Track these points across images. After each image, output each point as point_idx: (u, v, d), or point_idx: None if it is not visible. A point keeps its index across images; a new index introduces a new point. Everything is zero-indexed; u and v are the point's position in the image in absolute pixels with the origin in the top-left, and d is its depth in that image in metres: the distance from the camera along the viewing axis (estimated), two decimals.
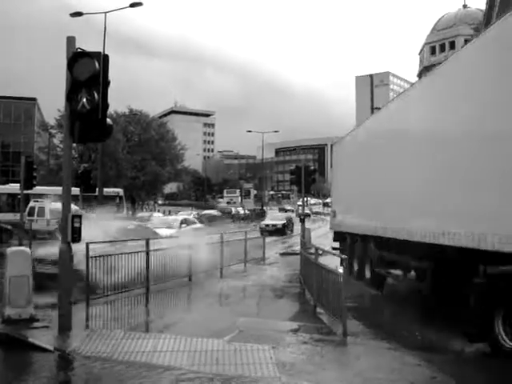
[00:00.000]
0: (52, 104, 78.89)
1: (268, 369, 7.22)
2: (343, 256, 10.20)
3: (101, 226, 14.54)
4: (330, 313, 10.36)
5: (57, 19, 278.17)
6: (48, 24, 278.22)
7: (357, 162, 17.18)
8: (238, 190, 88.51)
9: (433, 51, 64.98)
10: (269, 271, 20.12)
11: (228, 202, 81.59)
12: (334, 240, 20.26)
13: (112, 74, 9.16)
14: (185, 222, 26.50)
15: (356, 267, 17.32)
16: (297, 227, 42.93)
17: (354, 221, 17.06)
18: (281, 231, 43.04)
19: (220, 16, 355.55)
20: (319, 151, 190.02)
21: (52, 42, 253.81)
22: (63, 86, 9.15)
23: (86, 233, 9.55)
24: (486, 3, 34.39)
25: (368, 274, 16.15)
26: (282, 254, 25.76)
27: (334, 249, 19.15)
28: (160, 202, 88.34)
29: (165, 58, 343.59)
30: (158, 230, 19.81)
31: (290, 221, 47.44)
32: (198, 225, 28.29)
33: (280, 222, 44.98)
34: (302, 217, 27.04)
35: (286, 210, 74.43)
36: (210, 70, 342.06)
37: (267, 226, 43.59)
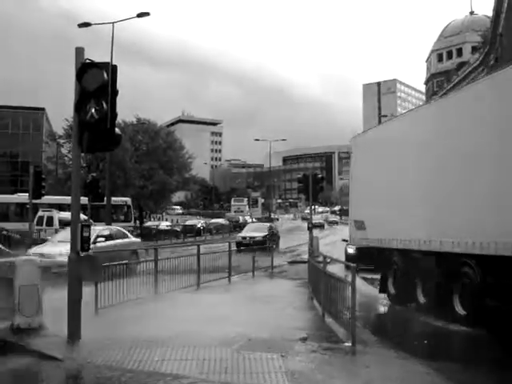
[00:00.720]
0: (60, 114, 79.57)
1: (277, 378, 7.21)
2: (352, 264, 10.12)
3: None
4: (339, 321, 10.34)
5: (62, 29, 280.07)
6: (54, 34, 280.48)
7: (400, 161, 14.53)
8: (245, 199, 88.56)
9: (440, 58, 64.85)
10: (276, 280, 20.12)
11: (235, 211, 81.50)
12: (357, 259, 16.36)
13: (118, 83, 9.23)
14: (105, 235, 19.82)
15: (395, 289, 15.05)
16: (285, 239, 42.01)
17: (405, 234, 13.85)
18: (261, 244, 30.80)
19: (225, 25, 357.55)
20: (326, 159, 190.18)
21: (59, 52, 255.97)
22: (71, 95, 9.23)
23: None
24: (493, 10, 34.39)
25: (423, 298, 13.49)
26: (291, 263, 25.74)
27: (360, 270, 15.23)
28: (170, 211, 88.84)
29: (169, 68, 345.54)
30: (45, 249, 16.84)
31: (272, 232, 39.63)
32: (130, 239, 22.10)
33: (260, 234, 36.50)
34: (310, 225, 27.01)
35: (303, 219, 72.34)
36: (216, 79, 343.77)
37: (244, 238, 36.05)
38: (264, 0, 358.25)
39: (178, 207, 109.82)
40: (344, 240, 28.79)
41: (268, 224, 46.26)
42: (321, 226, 66.80)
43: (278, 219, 72.70)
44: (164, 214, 79.02)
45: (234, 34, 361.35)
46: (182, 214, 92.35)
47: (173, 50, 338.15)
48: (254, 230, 38.77)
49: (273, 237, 37.62)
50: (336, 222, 78.66)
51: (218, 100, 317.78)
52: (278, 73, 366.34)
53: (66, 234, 16.80)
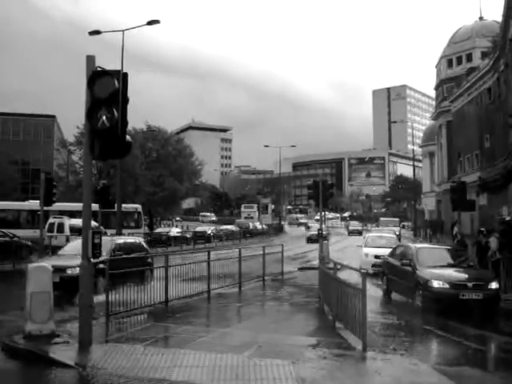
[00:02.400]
0: (71, 121, 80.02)
1: None
2: (363, 271, 10.13)
3: None
4: (350, 328, 10.31)
5: (70, 37, 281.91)
6: (62, 42, 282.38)
7: None
8: (255, 205, 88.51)
9: (450, 64, 64.63)
10: (287, 286, 20.10)
11: (246, 217, 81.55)
12: None
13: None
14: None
15: None
16: (294, 246, 41.84)
17: None
18: None
19: (233, 32, 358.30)
20: (336, 165, 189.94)
21: (69, 60, 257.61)
22: (82, 103, 9.30)
23: None
24: (503, 15, 34.32)
25: None
26: (301, 269, 25.69)
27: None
28: (178, 218, 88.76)
29: (177, 75, 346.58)
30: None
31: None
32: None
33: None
34: (320, 231, 26.90)
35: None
36: (225, 86, 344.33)
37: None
38: (273, 7, 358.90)
39: (212, 214, 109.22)
40: (359, 246, 28.67)
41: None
42: (359, 233, 64.80)
43: (308, 227, 69.92)
44: (174, 220, 78.84)
45: (242, 41, 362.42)
46: (215, 222, 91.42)
47: (181, 58, 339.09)
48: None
49: None
50: (359, 232, 67.17)
51: (228, 107, 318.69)
52: (287, 79, 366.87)
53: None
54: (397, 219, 71.68)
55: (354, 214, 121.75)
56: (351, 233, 68.88)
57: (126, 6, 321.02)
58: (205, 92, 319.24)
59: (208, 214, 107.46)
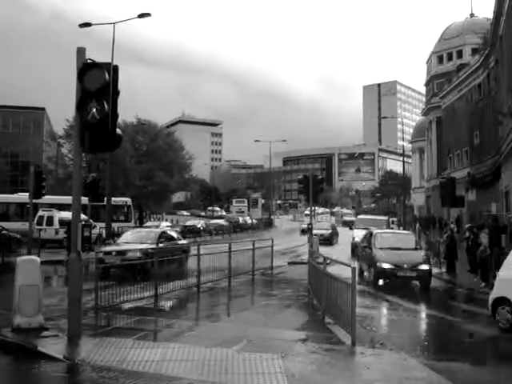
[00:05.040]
0: (60, 114, 79.58)
1: (277, 378, 7.21)
2: (352, 265, 10.16)
3: None
4: (339, 322, 10.35)
5: (60, 30, 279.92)
6: (52, 35, 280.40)
7: None
8: (245, 200, 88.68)
9: (440, 60, 64.69)
10: (277, 280, 20.14)
11: (237, 212, 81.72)
12: None
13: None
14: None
15: None
16: (284, 240, 42.23)
17: None
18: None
19: (221, 26, 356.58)
20: (326, 160, 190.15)
21: (59, 53, 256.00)
22: (72, 96, 9.22)
23: None
24: (494, 12, 34.38)
25: None
26: (291, 264, 25.72)
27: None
28: (185, 213, 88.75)
29: (166, 69, 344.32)
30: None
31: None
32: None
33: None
34: (310, 226, 26.93)
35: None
36: (214, 81, 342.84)
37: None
38: (263, 2, 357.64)
39: (219, 209, 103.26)
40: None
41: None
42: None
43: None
44: (164, 214, 78.63)
45: (231, 36, 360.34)
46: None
47: (169, 52, 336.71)
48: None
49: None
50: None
51: (217, 102, 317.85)
52: (278, 74, 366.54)
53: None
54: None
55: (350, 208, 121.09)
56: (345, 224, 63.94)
57: (114, 1, 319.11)
58: (193, 86, 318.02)
59: (217, 208, 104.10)
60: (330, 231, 42.08)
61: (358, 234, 26.74)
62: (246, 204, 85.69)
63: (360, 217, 33.23)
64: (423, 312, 15.28)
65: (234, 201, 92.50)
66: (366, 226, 26.17)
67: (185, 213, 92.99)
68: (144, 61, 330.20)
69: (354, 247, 27.86)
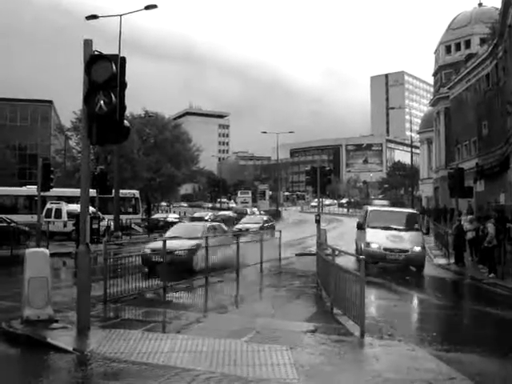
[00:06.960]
0: (67, 107, 79.64)
1: (286, 370, 7.21)
2: (361, 257, 10.13)
3: None
4: (348, 313, 10.33)
5: (66, 23, 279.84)
6: (57, 28, 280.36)
7: None
8: (250, 191, 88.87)
9: (448, 50, 64.26)
10: (285, 271, 20.13)
11: (242, 202, 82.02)
12: None
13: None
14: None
15: None
16: (292, 232, 42.18)
17: None
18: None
19: (226, 18, 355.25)
20: (334, 152, 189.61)
21: (65, 46, 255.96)
22: (80, 88, 9.19)
23: None
24: (502, 1, 34.08)
25: None
26: (299, 255, 25.69)
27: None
28: (174, 204, 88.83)
29: (172, 62, 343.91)
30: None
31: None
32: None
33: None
34: (318, 217, 26.87)
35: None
36: (221, 73, 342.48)
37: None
38: None
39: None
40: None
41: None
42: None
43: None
44: (171, 206, 78.65)
45: (237, 28, 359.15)
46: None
47: (174, 44, 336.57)
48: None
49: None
50: None
51: (223, 94, 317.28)
52: (285, 66, 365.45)
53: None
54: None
55: (351, 200, 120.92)
56: None
57: None
58: (199, 78, 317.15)
59: (225, 200, 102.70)
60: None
61: (376, 239, 19.42)
62: (250, 195, 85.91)
63: (373, 208, 23.42)
64: (430, 302, 15.17)
65: (238, 192, 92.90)
66: (387, 224, 19.14)
67: (184, 204, 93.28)
68: (149, 53, 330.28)
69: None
